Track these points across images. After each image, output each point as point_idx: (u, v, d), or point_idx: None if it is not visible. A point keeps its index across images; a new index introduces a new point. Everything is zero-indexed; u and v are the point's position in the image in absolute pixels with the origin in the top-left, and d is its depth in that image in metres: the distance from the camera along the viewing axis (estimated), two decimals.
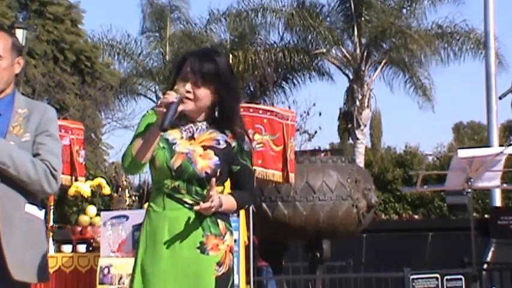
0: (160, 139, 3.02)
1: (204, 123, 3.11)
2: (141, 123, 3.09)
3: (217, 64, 3.05)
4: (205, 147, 3.06)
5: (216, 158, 3.03)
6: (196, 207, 2.94)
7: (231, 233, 3.09)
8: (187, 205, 3.00)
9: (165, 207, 3.02)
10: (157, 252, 2.99)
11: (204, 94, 3.03)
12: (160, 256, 2.98)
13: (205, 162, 3.02)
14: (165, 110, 2.92)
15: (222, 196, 3.03)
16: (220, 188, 3.08)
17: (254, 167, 6.15)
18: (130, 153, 3.00)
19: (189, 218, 2.99)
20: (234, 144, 3.10)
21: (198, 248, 2.98)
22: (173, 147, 3.05)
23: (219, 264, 3.00)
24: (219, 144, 3.07)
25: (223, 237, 3.03)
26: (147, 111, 3.17)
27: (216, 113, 3.11)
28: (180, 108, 2.98)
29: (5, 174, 3.07)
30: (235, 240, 5.27)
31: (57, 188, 3.24)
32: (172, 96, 2.95)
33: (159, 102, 2.98)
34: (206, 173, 3.01)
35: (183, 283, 2.96)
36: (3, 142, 3.09)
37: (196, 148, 3.05)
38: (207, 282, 2.97)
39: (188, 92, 3.01)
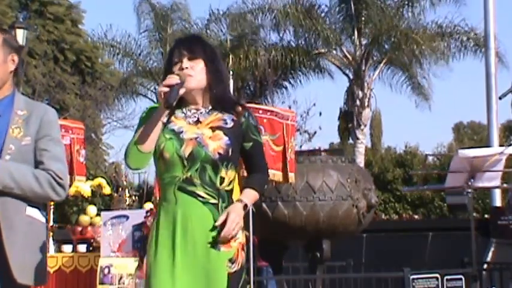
0: (166, 131, 3.03)
1: (206, 107, 3.12)
2: (140, 121, 3.10)
3: (201, 38, 3.26)
4: (213, 128, 3.06)
5: (226, 138, 3.04)
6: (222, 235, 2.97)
7: (243, 231, 3.09)
8: (200, 198, 2.99)
9: (177, 201, 3.00)
10: (170, 248, 2.98)
11: (200, 68, 3.08)
12: (174, 251, 2.97)
13: (217, 143, 3.02)
14: (167, 89, 2.96)
15: (242, 196, 3.07)
16: (232, 174, 3.08)
17: None
18: (133, 144, 3.01)
19: (202, 213, 2.98)
20: (242, 120, 3.11)
21: (210, 243, 2.98)
22: (181, 135, 3.04)
23: (232, 261, 3.00)
24: (226, 123, 3.08)
25: (235, 234, 3.03)
26: (146, 108, 3.18)
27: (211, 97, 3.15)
28: (182, 91, 3.00)
29: (10, 194, 3.05)
30: None
31: (65, 194, 3.22)
32: (174, 79, 2.99)
33: (161, 84, 3.01)
34: (219, 153, 3.01)
35: (196, 278, 2.95)
36: (4, 164, 3.05)
37: (205, 131, 3.05)
38: (219, 278, 2.96)
39: (187, 68, 3.06)
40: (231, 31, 21.09)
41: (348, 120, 20.57)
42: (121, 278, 5.85)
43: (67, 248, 6.49)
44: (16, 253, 3.05)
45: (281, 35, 20.63)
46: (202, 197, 2.99)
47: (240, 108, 3.13)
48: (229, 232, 2.96)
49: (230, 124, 3.08)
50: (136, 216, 6.09)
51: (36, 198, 3.13)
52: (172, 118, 3.08)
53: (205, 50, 3.12)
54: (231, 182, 3.07)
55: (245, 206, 3.04)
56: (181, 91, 3.00)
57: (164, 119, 3.03)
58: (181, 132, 3.05)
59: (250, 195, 3.10)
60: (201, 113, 3.10)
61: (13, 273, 3.03)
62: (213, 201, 3.01)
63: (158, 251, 3.00)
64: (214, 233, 2.98)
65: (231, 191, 3.09)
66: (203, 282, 2.95)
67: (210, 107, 3.12)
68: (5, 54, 3.18)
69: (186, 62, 3.07)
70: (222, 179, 3.03)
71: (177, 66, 3.07)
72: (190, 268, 2.96)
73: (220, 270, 2.97)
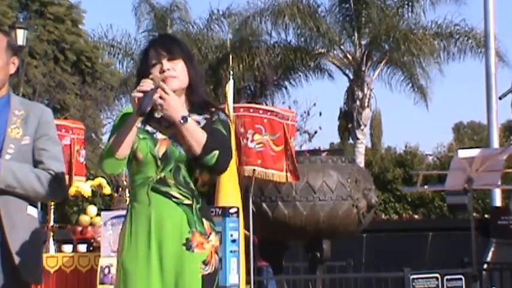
0: (139, 131, 2.99)
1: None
2: (114, 127, 3.05)
3: (177, 38, 3.24)
4: None
5: None
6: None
7: (216, 234, 3.04)
8: (174, 199, 2.95)
9: (150, 202, 2.95)
10: (143, 249, 2.95)
11: (181, 68, 3.03)
12: (147, 252, 2.94)
13: None
14: (141, 95, 2.89)
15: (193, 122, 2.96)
16: (207, 176, 3.03)
17: (254, 167, 6.23)
18: (107, 151, 2.95)
19: (176, 214, 2.94)
20: (214, 118, 3.06)
21: (184, 244, 2.94)
22: (154, 135, 3.00)
23: (205, 263, 2.95)
24: (199, 124, 3.03)
25: (208, 236, 2.98)
26: (120, 112, 3.15)
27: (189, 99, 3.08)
28: (156, 96, 2.92)
29: (12, 193, 3.07)
30: (234, 240, 5.29)
31: (65, 194, 3.26)
32: (148, 84, 2.92)
33: (135, 89, 2.94)
34: None
35: (169, 280, 2.91)
36: (6, 164, 3.07)
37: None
38: (193, 280, 2.92)
39: (169, 69, 3.00)
40: (231, 31, 21.10)
41: (348, 120, 20.57)
42: None
43: (67, 248, 6.49)
44: (19, 251, 3.08)
45: (282, 35, 20.65)
46: (176, 198, 2.95)
47: (213, 109, 3.09)
48: (146, 85, 2.87)
49: (202, 123, 3.03)
50: None
51: (38, 198, 3.15)
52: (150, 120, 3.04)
53: (183, 49, 3.07)
54: (205, 184, 3.03)
55: (184, 117, 2.91)
56: (156, 96, 2.94)
57: (139, 124, 2.96)
58: (155, 132, 3.01)
59: (197, 127, 2.96)
60: None
61: (17, 270, 3.05)
62: (187, 202, 2.96)
63: (132, 251, 2.97)
64: (188, 235, 2.94)
65: (205, 194, 3.04)
66: (177, 284, 2.91)
67: (189, 109, 3.05)
68: (8, 57, 3.23)
69: (166, 63, 3.01)
70: (196, 180, 2.99)
71: (157, 68, 3.01)
72: (164, 270, 2.92)
73: (193, 271, 2.93)
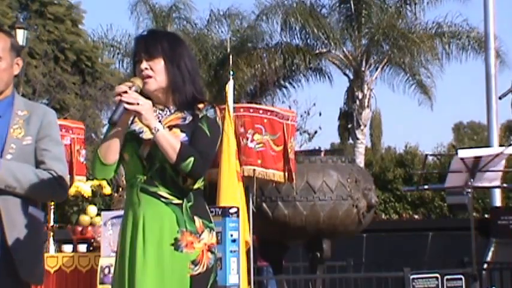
0: (128, 131, 2.98)
1: (172, 107, 3.04)
2: (106, 131, 3.05)
3: (158, 34, 3.14)
4: (170, 127, 2.97)
5: (183, 135, 2.95)
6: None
7: (210, 230, 2.99)
8: (163, 199, 2.93)
9: (140, 202, 2.94)
10: (132, 250, 2.95)
11: (160, 67, 2.99)
12: (135, 254, 2.93)
13: None
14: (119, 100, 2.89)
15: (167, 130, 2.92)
16: (199, 184, 3.01)
17: (253, 167, 6.23)
18: (96, 157, 2.96)
19: (165, 213, 2.92)
20: (201, 114, 3.00)
21: (173, 244, 2.91)
22: (140, 136, 2.98)
23: (195, 263, 2.92)
24: (185, 120, 2.99)
25: (200, 235, 2.94)
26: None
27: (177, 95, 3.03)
28: (133, 98, 2.91)
29: (12, 193, 3.08)
30: (234, 240, 5.29)
31: (66, 194, 3.26)
32: (124, 87, 2.91)
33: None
34: None
35: (157, 280, 2.89)
36: (6, 164, 3.07)
37: None
38: (181, 281, 2.90)
39: (146, 68, 2.98)
40: (231, 31, 21.10)
41: (348, 121, 20.58)
42: None
43: (67, 248, 6.49)
44: (19, 251, 3.08)
45: (283, 35, 20.65)
46: (165, 198, 2.93)
47: (201, 105, 3.02)
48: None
49: (188, 120, 2.99)
50: None
51: (38, 198, 3.16)
52: (136, 119, 3.01)
53: (162, 47, 3.00)
54: (196, 181, 2.98)
55: (156, 128, 2.88)
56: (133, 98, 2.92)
57: (124, 127, 2.96)
58: (141, 132, 2.99)
59: (171, 134, 2.91)
60: (165, 113, 3.03)
61: (17, 270, 3.05)
62: (176, 201, 2.93)
63: (124, 252, 2.99)
64: (177, 235, 2.92)
65: (198, 190, 3.00)
66: (166, 285, 2.89)
67: (176, 108, 3.03)
68: (12, 59, 3.24)
69: (144, 63, 2.98)
70: (185, 178, 2.95)
71: (138, 66, 3.01)
72: (153, 271, 2.90)
73: (181, 271, 2.90)
